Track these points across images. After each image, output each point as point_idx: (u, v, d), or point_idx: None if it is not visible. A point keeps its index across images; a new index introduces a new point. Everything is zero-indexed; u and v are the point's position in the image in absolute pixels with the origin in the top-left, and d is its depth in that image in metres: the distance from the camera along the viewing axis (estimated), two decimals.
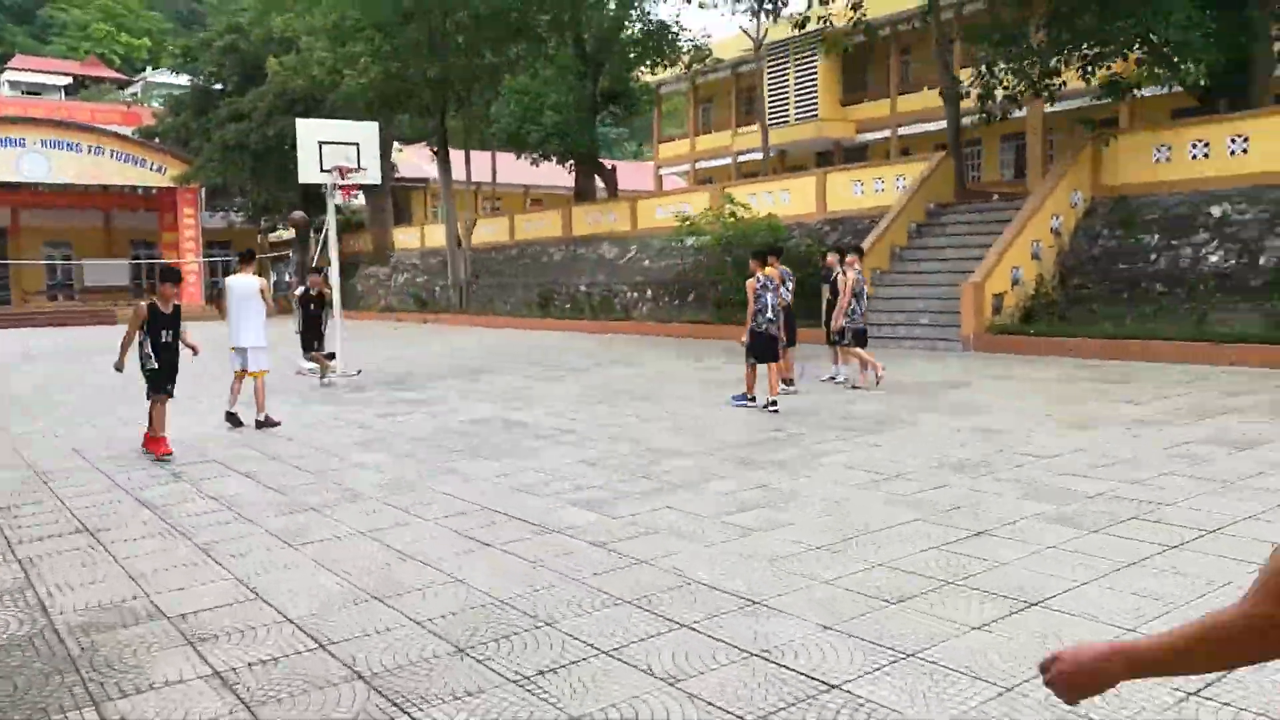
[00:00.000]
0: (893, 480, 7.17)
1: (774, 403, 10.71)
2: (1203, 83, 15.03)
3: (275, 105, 38.25)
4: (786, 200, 23.32)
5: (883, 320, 18.36)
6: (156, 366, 8.96)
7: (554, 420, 10.58)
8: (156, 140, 43.71)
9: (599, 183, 33.27)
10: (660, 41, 29.24)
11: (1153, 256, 16.23)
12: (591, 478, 7.60)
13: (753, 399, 11.07)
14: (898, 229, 19.59)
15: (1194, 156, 16.43)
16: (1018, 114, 20.01)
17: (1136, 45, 16.29)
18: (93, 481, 8.03)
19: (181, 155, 41.25)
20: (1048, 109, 19.94)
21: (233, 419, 10.86)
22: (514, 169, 51.69)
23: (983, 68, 18.87)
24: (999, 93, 18.37)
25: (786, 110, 39.92)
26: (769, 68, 40.05)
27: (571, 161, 31.13)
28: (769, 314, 10.90)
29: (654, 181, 49.21)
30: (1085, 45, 16.85)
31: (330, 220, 15.85)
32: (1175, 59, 16.08)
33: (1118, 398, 10.87)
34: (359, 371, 16.17)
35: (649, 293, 26.46)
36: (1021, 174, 30.84)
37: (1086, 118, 17.24)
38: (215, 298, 10.01)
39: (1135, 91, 17.44)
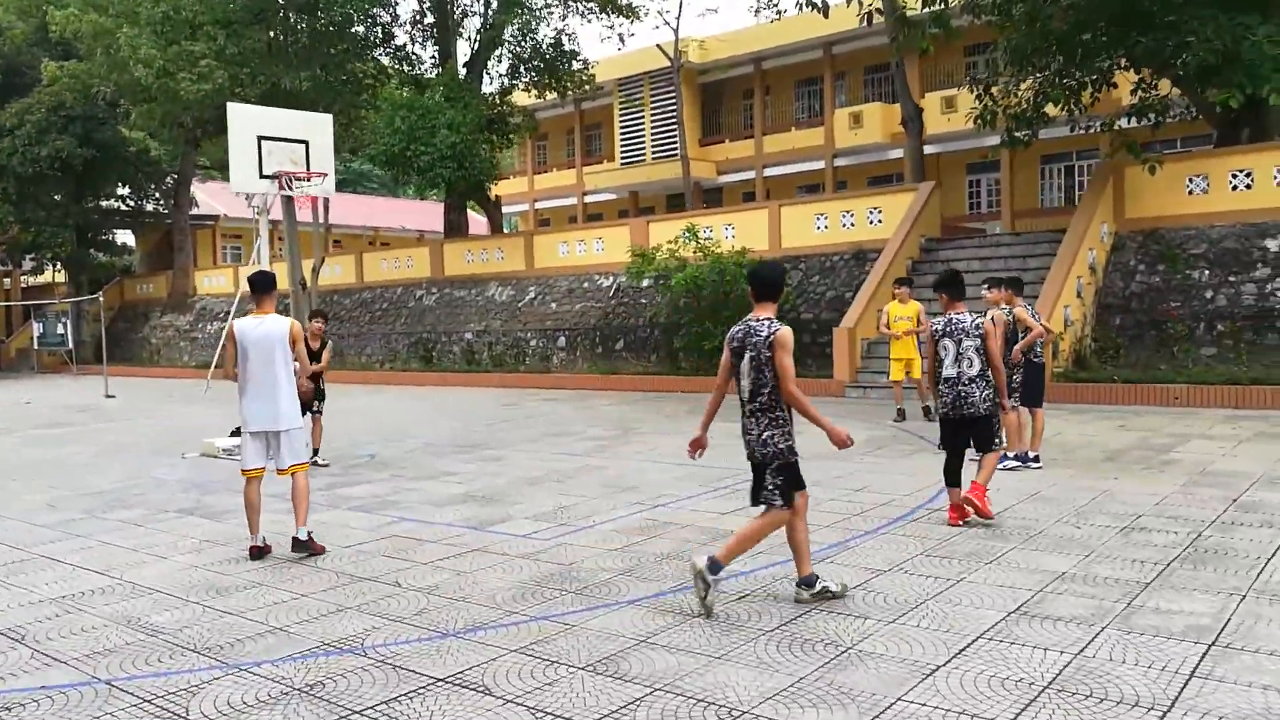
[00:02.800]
0: None
1: (1037, 458, 9.05)
2: (1275, 100, 13.84)
3: (50, 121, 31.52)
4: (730, 236, 20.72)
5: None
6: None
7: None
8: None
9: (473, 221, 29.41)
10: (555, 60, 26.00)
11: (1208, 294, 14.89)
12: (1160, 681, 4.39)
13: (1035, 455, 9.08)
14: (897, 266, 17.44)
15: (1234, 188, 15.36)
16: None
17: (1172, 62, 14.99)
18: None
19: None
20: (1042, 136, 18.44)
21: (260, 553, 6.68)
22: (353, 208, 46.77)
23: (980, 89, 17.20)
24: (1004, 113, 16.67)
25: (642, 148, 37.83)
26: (621, 103, 37.85)
27: (447, 196, 27.16)
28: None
29: (487, 223, 45.57)
30: (1124, 60, 15.49)
31: (263, 241, 11.49)
32: (1200, 81, 14.94)
33: None
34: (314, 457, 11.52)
35: (562, 340, 22.97)
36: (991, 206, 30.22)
37: (1130, 142, 15.89)
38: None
39: (1162, 117, 16.30)
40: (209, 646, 4.90)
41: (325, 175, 11.29)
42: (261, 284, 6.83)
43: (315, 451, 10.69)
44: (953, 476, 6.90)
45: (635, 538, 6.92)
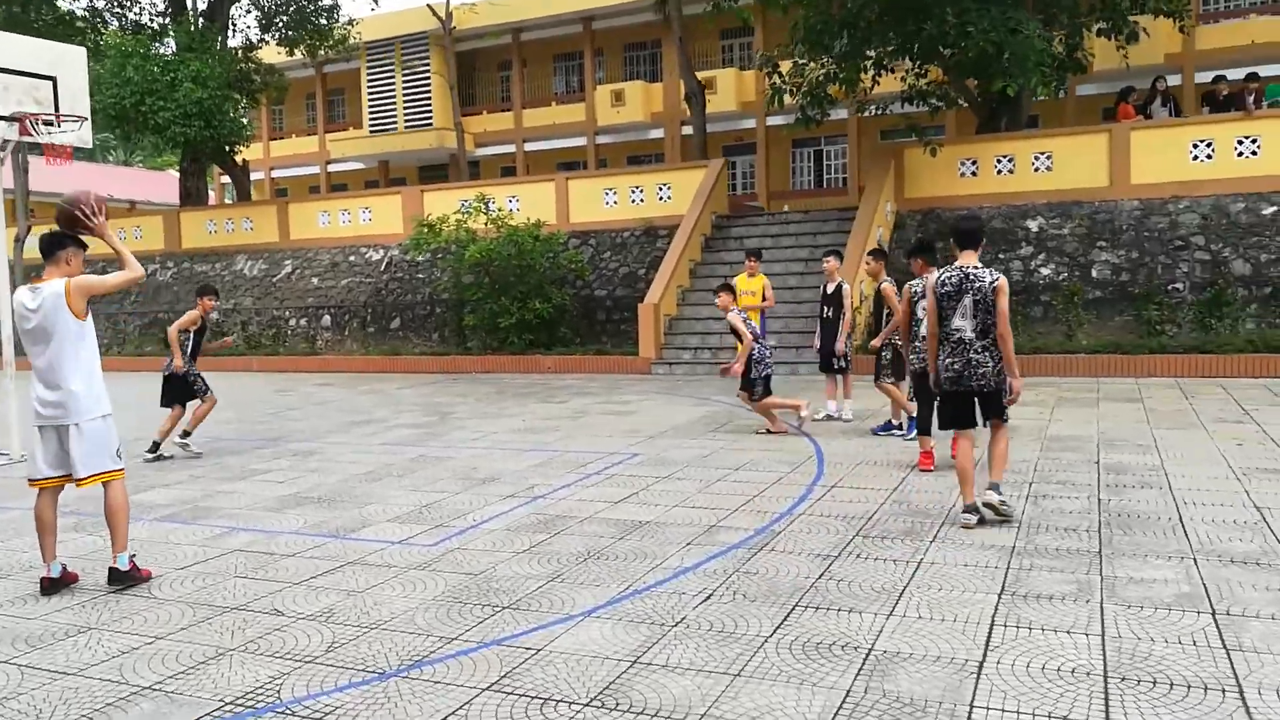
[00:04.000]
0: None
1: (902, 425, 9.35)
2: (1041, 93, 14.98)
3: None
4: (515, 208, 19.83)
5: (697, 344, 16.03)
6: None
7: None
8: None
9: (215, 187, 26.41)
10: (312, 15, 23.71)
11: None
12: None
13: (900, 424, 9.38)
14: (694, 242, 17.35)
15: (999, 172, 16.52)
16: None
17: (948, 52, 15.85)
18: None
19: None
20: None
21: (55, 586, 5.24)
22: (50, 172, 40.67)
23: (770, 68, 17.42)
24: (796, 92, 17.01)
25: (394, 117, 35.81)
26: (370, 68, 35.64)
27: (184, 159, 24.12)
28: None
29: (217, 192, 41.51)
30: (899, 48, 16.17)
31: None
32: (976, 72, 15.91)
33: (1243, 413, 9.72)
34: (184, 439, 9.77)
35: (327, 319, 21.10)
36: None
37: (913, 125, 16.61)
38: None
39: (942, 103, 17.26)
40: None
41: (84, 120, 9.30)
42: (45, 246, 5.32)
43: (186, 434, 9.75)
44: (924, 425, 7.58)
45: (538, 536, 6.10)
